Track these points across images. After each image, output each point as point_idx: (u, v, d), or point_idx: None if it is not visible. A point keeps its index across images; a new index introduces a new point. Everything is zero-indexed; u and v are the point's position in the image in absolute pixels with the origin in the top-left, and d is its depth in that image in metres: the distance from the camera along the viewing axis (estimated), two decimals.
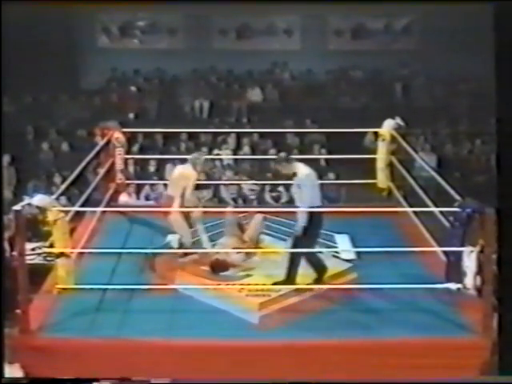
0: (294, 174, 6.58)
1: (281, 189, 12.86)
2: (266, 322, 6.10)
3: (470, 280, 6.06)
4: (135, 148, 13.38)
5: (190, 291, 6.52)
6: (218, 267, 6.86)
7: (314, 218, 6.41)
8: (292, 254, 6.52)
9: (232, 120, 15.87)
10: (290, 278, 6.53)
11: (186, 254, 7.07)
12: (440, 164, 13.90)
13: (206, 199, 12.53)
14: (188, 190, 7.09)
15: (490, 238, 5.85)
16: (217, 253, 6.98)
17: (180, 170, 7.34)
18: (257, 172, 13.33)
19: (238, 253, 7.03)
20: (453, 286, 6.22)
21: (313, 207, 6.40)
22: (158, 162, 13.48)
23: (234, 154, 13.94)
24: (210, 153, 13.91)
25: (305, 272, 6.75)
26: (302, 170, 6.57)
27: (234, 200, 12.65)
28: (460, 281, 6.15)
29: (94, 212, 7.94)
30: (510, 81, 5.79)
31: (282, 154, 6.83)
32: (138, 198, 12.37)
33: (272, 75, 17.22)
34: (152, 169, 13.60)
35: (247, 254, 7.07)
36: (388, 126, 8.43)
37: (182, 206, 7.08)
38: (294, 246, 6.53)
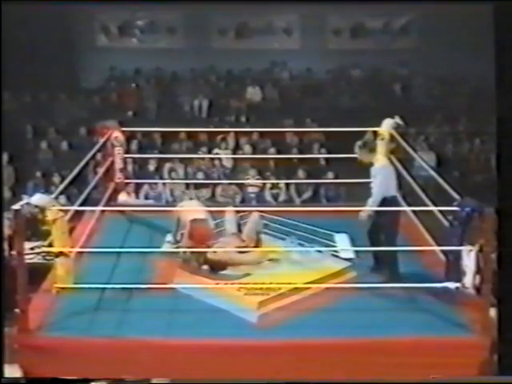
0: (372, 164, 6.92)
1: (281, 187, 12.92)
2: (264, 320, 6.10)
3: (468, 279, 6.06)
4: (134, 147, 13.40)
5: (189, 290, 6.52)
6: (217, 266, 6.85)
7: (386, 205, 6.69)
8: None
9: (231, 119, 15.87)
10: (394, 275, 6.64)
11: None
12: (439, 163, 13.91)
13: (205, 198, 12.56)
14: None
15: (489, 237, 5.86)
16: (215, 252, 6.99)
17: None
18: (258, 171, 13.35)
19: (239, 252, 7.04)
20: (452, 285, 6.22)
21: (387, 197, 6.72)
22: (158, 161, 13.51)
23: (233, 154, 13.95)
24: (209, 152, 13.95)
25: (303, 271, 6.77)
26: (380, 160, 6.92)
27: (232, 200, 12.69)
28: (459, 280, 6.15)
29: (93, 211, 7.94)
30: (510, 80, 5.79)
31: (362, 142, 7.10)
32: (138, 197, 12.38)
33: (271, 74, 17.23)
34: (151, 168, 13.62)
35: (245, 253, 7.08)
36: (387, 125, 8.41)
37: None
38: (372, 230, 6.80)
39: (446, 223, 6.46)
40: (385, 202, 6.73)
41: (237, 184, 12.94)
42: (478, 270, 5.97)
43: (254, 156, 13.66)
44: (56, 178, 12.96)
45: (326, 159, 13.20)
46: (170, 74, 17.09)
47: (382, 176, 6.80)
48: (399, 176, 8.37)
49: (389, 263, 6.72)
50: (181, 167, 13.62)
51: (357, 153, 7.07)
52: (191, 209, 7.23)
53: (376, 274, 6.80)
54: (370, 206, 6.72)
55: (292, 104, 16.14)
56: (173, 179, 13.18)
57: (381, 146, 8.42)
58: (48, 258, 6.74)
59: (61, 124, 15.41)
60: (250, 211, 7.64)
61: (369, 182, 8.46)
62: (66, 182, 7.30)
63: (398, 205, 6.96)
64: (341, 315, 6.13)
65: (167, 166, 13.61)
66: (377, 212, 6.71)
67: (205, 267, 6.87)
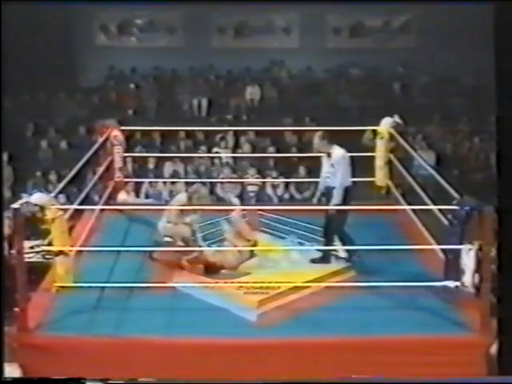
0: (329, 154, 7.14)
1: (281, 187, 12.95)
2: (264, 319, 6.10)
3: (468, 278, 6.07)
4: (134, 146, 13.39)
5: (188, 289, 6.52)
6: (212, 269, 6.85)
7: (346, 196, 7.00)
8: (326, 230, 7.07)
9: (230, 118, 15.87)
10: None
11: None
12: (439, 162, 13.92)
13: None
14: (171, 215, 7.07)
15: (488, 236, 5.87)
16: (215, 251, 6.99)
17: (177, 197, 7.38)
18: (257, 170, 13.36)
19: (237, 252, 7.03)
20: (451, 283, 6.22)
21: (345, 186, 7.01)
22: (157, 159, 13.52)
23: (233, 152, 13.96)
24: (208, 151, 13.95)
25: (303, 270, 6.77)
26: (337, 151, 7.13)
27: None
28: (458, 278, 6.16)
29: (93, 210, 7.93)
30: (510, 79, 5.79)
31: (322, 133, 7.29)
32: (138, 196, 12.38)
33: (270, 73, 17.22)
34: (150, 167, 13.62)
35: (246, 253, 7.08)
36: (386, 124, 8.42)
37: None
38: (328, 222, 7.02)
39: (445, 222, 6.46)
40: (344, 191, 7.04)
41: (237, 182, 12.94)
42: (478, 269, 5.97)
43: (252, 155, 13.65)
44: (55, 177, 12.97)
45: None
46: (169, 72, 17.08)
47: (343, 166, 7.06)
48: (399, 175, 8.41)
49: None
50: (180, 166, 13.63)
51: (314, 142, 7.26)
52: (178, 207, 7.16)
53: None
54: (337, 197, 6.97)
55: (291, 103, 16.14)
56: (172, 178, 13.19)
57: (380, 145, 8.46)
58: (47, 256, 6.75)
59: (60, 123, 15.41)
60: (251, 210, 7.64)
61: (369, 182, 8.53)
62: (66, 180, 7.30)
63: (352, 194, 7.16)
64: (340, 314, 6.13)
65: (167, 164, 13.62)
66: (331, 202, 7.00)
67: (200, 266, 6.86)
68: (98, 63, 16.76)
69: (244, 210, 7.58)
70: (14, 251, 5.98)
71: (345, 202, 6.98)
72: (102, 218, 8.03)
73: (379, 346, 5.79)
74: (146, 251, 7.06)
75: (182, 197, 7.34)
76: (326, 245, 7.05)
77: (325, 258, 7.05)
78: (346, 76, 17.11)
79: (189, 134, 14.43)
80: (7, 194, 12.57)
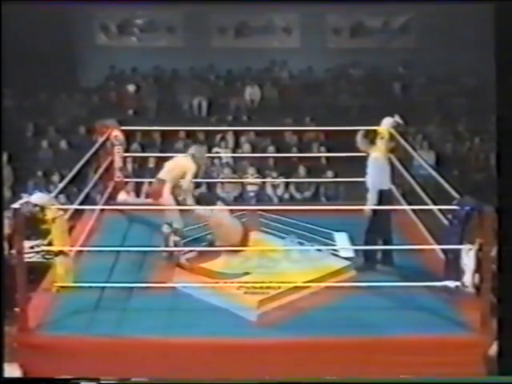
0: (368, 155, 7.03)
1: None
2: (264, 319, 6.10)
3: (468, 278, 6.07)
4: (134, 146, 13.40)
5: (188, 289, 6.52)
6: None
7: (382, 199, 6.80)
8: (367, 237, 6.88)
9: (230, 118, 15.87)
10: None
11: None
12: (439, 162, 13.92)
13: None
14: (186, 179, 7.20)
15: (488, 236, 5.87)
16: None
17: (178, 159, 7.51)
18: (257, 170, 13.36)
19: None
20: (451, 283, 6.23)
21: (382, 190, 6.83)
22: (157, 159, 13.51)
23: (233, 152, 13.97)
24: (209, 151, 13.94)
25: (303, 269, 6.77)
26: (375, 152, 7.01)
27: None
28: (458, 278, 6.16)
29: (93, 210, 7.94)
30: (510, 78, 5.79)
31: (364, 132, 7.18)
32: (138, 196, 12.38)
33: (271, 73, 17.22)
34: (150, 167, 13.61)
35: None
36: (387, 124, 8.40)
37: (172, 190, 7.24)
38: (369, 228, 6.86)
39: (445, 222, 6.46)
40: (381, 195, 6.84)
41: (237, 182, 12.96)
42: (478, 269, 5.97)
43: (253, 155, 13.66)
44: (56, 177, 12.98)
45: (326, 158, 13.20)
46: (169, 72, 17.08)
47: (372, 168, 6.94)
48: (399, 175, 8.40)
49: (387, 258, 6.88)
50: None
51: (357, 140, 7.16)
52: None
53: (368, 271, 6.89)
54: (370, 201, 6.83)
55: (291, 103, 16.14)
56: None
57: (380, 145, 8.45)
58: (47, 256, 6.75)
59: (60, 123, 15.41)
60: (250, 210, 7.65)
61: None
62: (66, 180, 7.31)
63: (392, 199, 7.05)
64: (340, 314, 6.13)
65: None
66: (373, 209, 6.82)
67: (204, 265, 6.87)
68: (98, 63, 16.74)
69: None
70: (14, 251, 5.99)
71: (380, 205, 6.82)
72: (102, 218, 8.04)
73: (379, 345, 5.79)
74: (145, 251, 7.06)
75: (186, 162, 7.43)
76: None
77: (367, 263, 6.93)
78: (347, 76, 17.10)
79: (189, 133, 14.42)
80: (7, 194, 12.57)
